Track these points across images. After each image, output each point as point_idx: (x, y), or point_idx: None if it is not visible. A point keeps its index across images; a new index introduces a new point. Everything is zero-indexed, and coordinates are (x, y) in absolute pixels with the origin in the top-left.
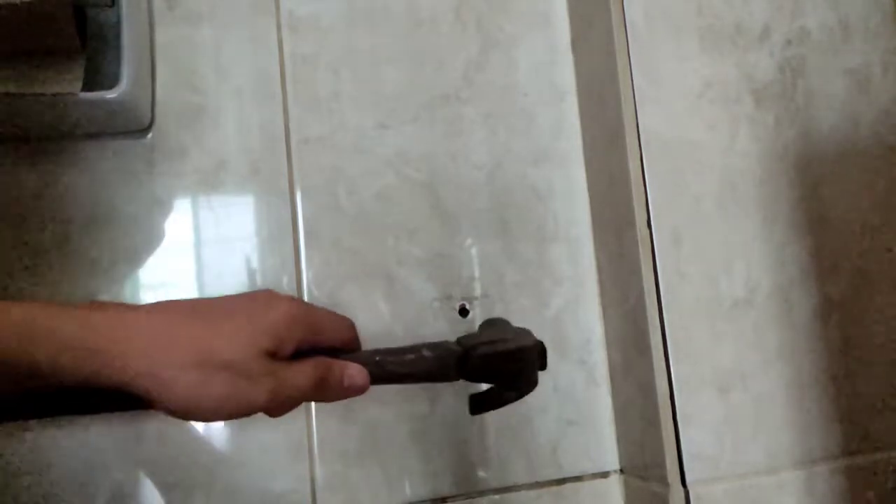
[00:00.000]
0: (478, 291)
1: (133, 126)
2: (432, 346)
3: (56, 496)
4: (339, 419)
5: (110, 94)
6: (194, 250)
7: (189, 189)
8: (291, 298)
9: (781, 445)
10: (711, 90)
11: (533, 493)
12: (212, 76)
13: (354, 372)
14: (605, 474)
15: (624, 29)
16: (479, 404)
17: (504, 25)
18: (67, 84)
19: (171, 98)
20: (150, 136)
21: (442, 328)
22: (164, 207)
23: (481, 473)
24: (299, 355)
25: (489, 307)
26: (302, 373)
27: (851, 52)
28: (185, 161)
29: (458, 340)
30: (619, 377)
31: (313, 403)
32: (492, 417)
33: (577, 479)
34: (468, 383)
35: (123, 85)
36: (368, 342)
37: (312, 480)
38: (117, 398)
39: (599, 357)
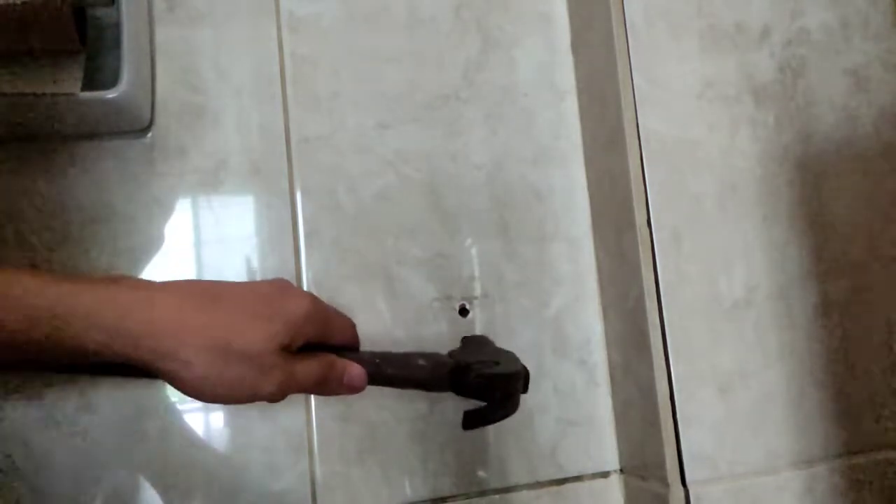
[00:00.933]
0: (478, 291)
1: (133, 126)
2: (427, 356)
3: (55, 496)
4: (339, 419)
5: (110, 94)
6: (194, 250)
7: (189, 189)
8: (309, 295)
9: (781, 445)
10: (711, 90)
11: (533, 493)
12: (212, 76)
13: (355, 372)
14: (605, 474)
15: (624, 29)
16: (472, 421)
17: (504, 25)
18: (67, 84)
19: (171, 98)
20: (149, 135)
21: (442, 328)
22: (163, 207)
23: (481, 473)
24: (307, 349)
25: (489, 307)
26: (309, 367)
27: (851, 52)
28: (185, 161)
29: (450, 354)
30: (619, 377)
31: (313, 403)
32: None
33: (577, 479)
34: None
35: (123, 85)
36: (368, 342)
37: (312, 480)
38: (130, 368)
39: (599, 357)
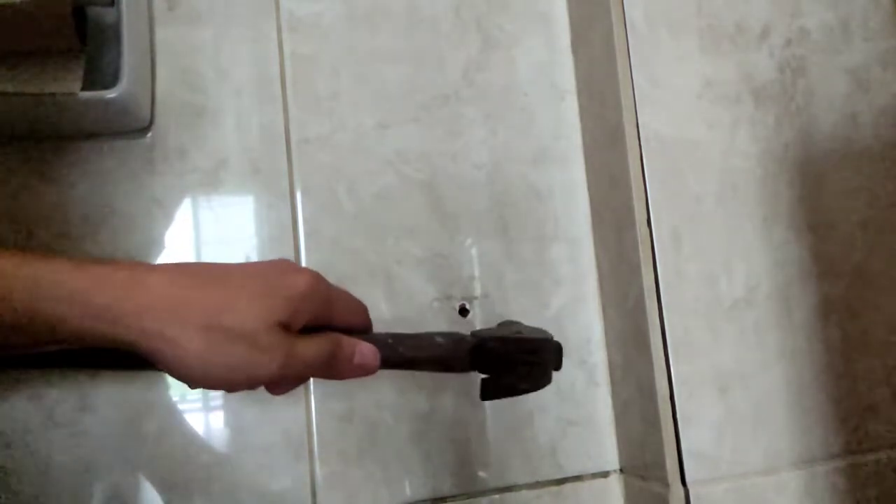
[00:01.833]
0: (478, 291)
1: (133, 126)
2: (445, 335)
3: (55, 496)
4: (339, 419)
5: (110, 94)
6: (194, 250)
7: (189, 189)
8: (310, 271)
9: (781, 445)
10: (711, 90)
11: (533, 493)
12: (212, 76)
13: (366, 350)
14: (605, 474)
15: (624, 29)
16: (491, 390)
17: (504, 25)
18: (67, 84)
19: (171, 98)
20: (149, 135)
21: (442, 328)
22: (164, 207)
23: (481, 473)
24: (312, 332)
25: (489, 307)
26: (314, 346)
27: (851, 52)
28: (185, 161)
29: (472, 333)
30: (619, 377)
31: (313, 403)
32: (492, 417)
33: (577, 479)
34: (473, 383)
35: (123, 85)
36: None
37: (312, 480)
38: (126, 357)
39: (599, 357)
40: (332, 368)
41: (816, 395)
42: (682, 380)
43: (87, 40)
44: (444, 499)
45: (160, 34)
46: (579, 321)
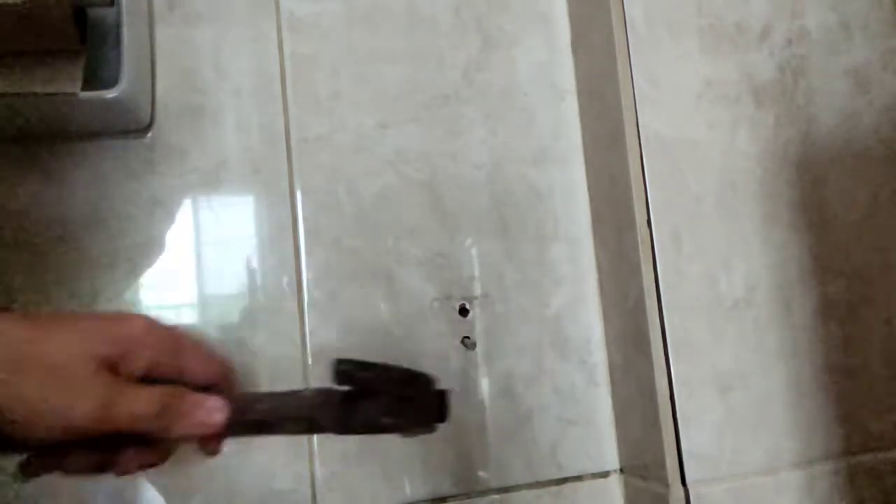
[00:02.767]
0: (478, 291)
1: (133, 126)
2: (317, 389)
3: (56, 495)
4: None
5: (110, 94)
6: (194, 250)
7: (189, 189)
8: (148, 318)
9: (781, 445)
10: (711, 90)
11: (533, 493)
12: (212, 76)
13: (210, 404)
14: (605, 474)
15: (624, 29)
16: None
17: (504, 25)
18: (67, 84)
19: (171, 98)
20: (149, 135)
21: (442, 328)
22: (164, 207)
23: (481, 473)
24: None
25: (489, 307)
26: (145, 394)
27: (851, 52)
28: (185, 161)
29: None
30: (619, 377)
31: None
32: (492, 418)
33: (577, 479)
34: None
35: (123, 84)
36: (368, 342)
37: (312, 480)
38: None
39: (599, 357)
40: (165, 421)
41: (816, 395)
42: (682, 380)
43: (87, 40)
44: (444, 499)
45: (160, 34)
46: (579, 321)
